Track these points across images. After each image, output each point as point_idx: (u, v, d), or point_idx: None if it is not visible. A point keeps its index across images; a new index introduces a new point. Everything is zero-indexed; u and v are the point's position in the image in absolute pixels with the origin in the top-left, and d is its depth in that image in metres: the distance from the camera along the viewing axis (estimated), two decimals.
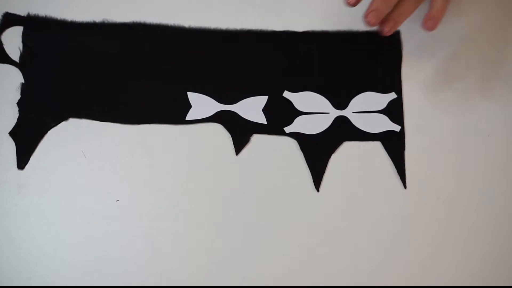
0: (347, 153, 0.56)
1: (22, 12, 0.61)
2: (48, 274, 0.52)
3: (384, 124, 0.57)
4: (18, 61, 0.59)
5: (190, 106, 0.57)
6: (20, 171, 0.55)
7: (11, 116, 0.57)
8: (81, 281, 0.51)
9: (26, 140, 0.56)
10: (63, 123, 0.57)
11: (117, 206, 0.54)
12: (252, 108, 0.58)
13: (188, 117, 0.57)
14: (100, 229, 0.53)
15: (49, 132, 0.56)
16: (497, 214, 0.54)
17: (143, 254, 0.52)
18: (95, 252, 0.52)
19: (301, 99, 0.58)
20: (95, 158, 0.56)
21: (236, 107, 0.58)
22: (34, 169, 0.55)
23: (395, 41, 0.60)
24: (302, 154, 0.56)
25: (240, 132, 0.57)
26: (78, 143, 0.56)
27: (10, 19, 0.61)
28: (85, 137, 0.56)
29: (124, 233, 0.53)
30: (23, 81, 0.58)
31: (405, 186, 0.55)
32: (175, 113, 0.57)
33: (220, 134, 0.57)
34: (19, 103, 0.57)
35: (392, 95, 0.58)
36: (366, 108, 0.58)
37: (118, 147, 0.56)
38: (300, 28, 0.61)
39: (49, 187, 0.55)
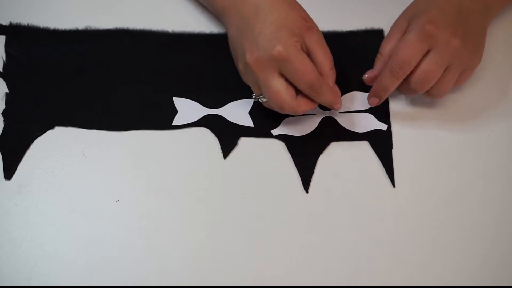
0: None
1: (4, 21, 0.60)
2: (48, 274, 0.51)
3: (371, 123, 0.57)
4: (1, 71, 0.59)
5: (176, 112, 0.57)
6: (20, 171, 0.55)
7: None
8: (81, 281, 0.51)
9: (12, 150, 0.56)
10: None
11: (117, 206, 0.54)
12: (238, 111, 0.57)
13: (174, 123, 0.57)
14: (100, 229, 0.53)
15: (49, 132, 0.56)
16: (497, 214, 0.54)
17: (143, 254, 0.52)
18: (95, 252, 0.52)
19: None
20: (94, 159, 0.56)
21: (222, 111, 0.57)
22: (34, 169, 0.55)
23: (379, 39, 0.59)
24: (290, 156, 0.56)
25: (227, 135, 0.57)
26: (78, 143, 0.56)
27: None
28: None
29: (124, 233, 0.53)
30: (7, 91, 0.58)
31: (393, 185, 0.55)
32: (161, 119, 0.57)
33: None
34: (4, 113, 0.57)
35: None
36: (352, 108, 0.57)
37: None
38: None
39: (49, 187, 0.54)
